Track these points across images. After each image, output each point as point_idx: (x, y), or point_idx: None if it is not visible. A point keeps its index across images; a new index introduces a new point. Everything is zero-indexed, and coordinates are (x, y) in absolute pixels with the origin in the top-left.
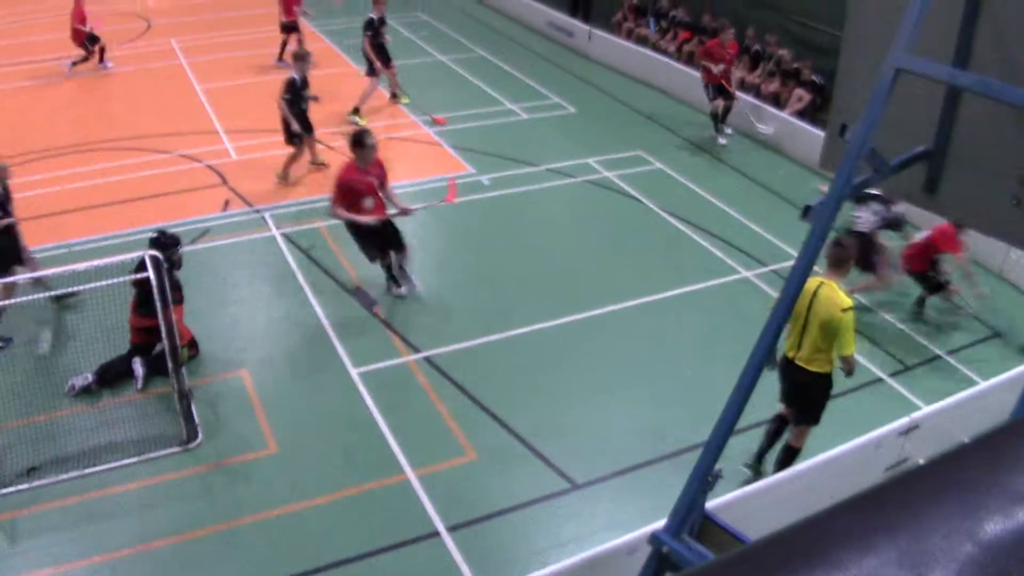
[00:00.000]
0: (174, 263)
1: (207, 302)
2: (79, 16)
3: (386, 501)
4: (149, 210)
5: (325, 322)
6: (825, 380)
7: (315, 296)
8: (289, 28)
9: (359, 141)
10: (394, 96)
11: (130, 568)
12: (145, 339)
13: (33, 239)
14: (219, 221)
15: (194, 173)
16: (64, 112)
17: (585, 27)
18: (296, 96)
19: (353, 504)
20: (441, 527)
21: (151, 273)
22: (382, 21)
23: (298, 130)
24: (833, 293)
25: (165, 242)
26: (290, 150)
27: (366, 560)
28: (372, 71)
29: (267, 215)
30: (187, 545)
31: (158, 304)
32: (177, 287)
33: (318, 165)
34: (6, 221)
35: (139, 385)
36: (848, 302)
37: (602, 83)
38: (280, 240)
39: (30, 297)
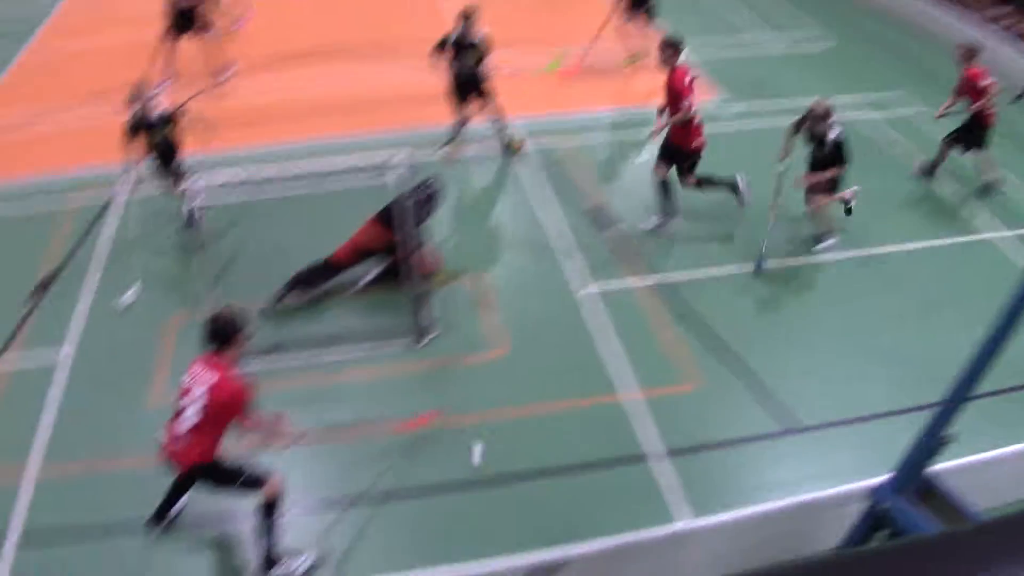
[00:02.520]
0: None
1: (450, 210)
2: None
3: (608, 418)
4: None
5: (563, 238)
6: None
7: (561, 207)
8: None
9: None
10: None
11: (351, 450)
12: (358, 259)
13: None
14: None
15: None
16: (320, 17)
17: None
18: None
19: (574, 416)
20: (659, 450)
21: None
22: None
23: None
24: None
25: (432, 191)
26: None
27: (581, 473)
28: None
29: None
30: (408, 436)
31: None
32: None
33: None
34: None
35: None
36: None
37: (869, 17)
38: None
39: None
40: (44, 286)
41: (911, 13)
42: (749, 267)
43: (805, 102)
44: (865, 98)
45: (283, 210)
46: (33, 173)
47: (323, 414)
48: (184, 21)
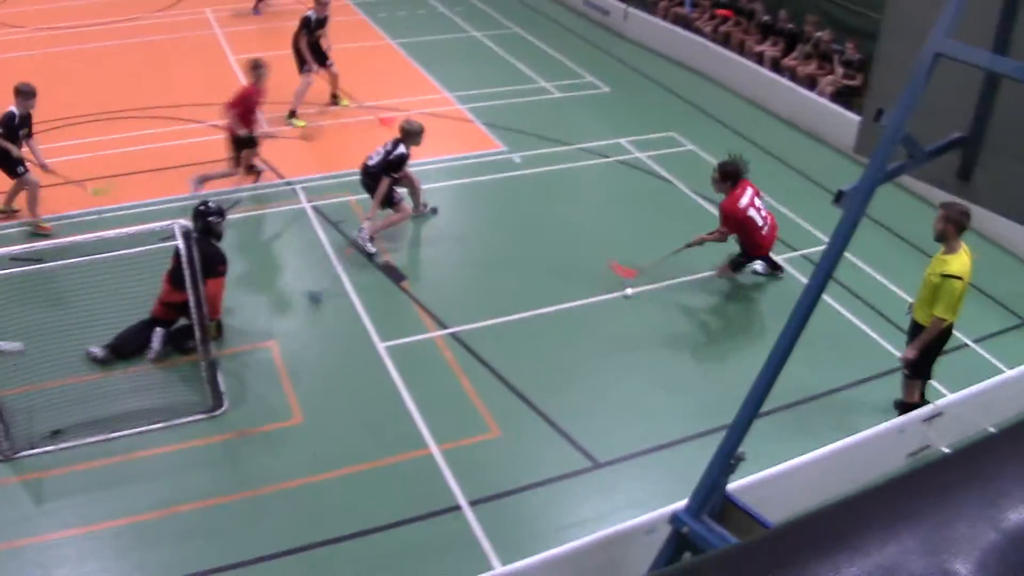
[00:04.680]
0: (216, 234)
1: (237, 273)
2: None
3: (409, 474)
4: (179, 179)
5: (353, 296)
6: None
7: (344, 269)
8: None
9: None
10: (334, 97)
11: (155, 531)
12: (171, 314)
13: (65, 204)
14: (250, 192)
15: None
16: (94, 78)
17: (621, 5)
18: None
19: (376, 476)
20: (463, 501)
21: (180, 243)
22: (320, 22)
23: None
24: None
25: (207, 212)
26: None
27: (387, 531)
28: (305, 69)
29: (298, 187)
30: (211, 510)
31: (187, 277)
32: (221, 259)
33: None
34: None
35: (151, 356)
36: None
37: (637, 63)
38: (311, 212)
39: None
40: None
41: (683, 58)
42: (539, 311)
43: (586, 144)
44: (637, 140)
45: (69, 278)
46: None
47: (121, 497)
48: None
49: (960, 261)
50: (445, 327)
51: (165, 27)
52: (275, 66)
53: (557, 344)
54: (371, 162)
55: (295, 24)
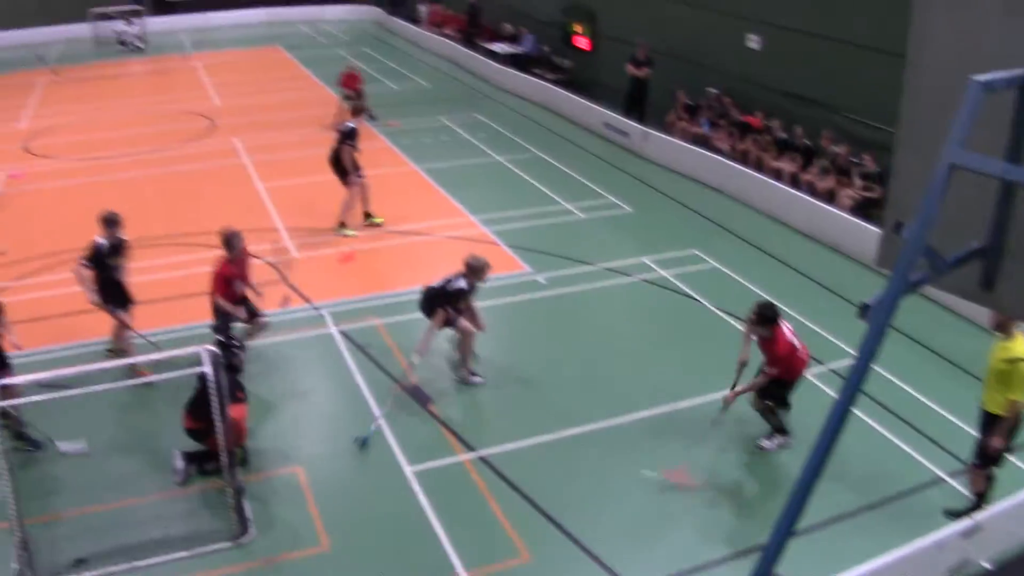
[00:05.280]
0: (236, 367)
1: (264, 398)
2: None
3: None
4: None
5: (381, 420)
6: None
7: (371, 393)
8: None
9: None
10: (367, 215)
11: None
12: (190, 442)
13: (91, 331)
14: (278, 318)
15: (255, 270)
16: (127, 207)
17: (640, 127)
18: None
19: None
20: None
21: (208, 369)
22: (355, 133)
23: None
24: None
25: (229, 344)
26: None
27: None
28: (347, 181)
29: (325, 312)
30: None
31: (214, 402)
32: (240, 386)
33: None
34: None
35: (179, 479)
36: None
37: (657, 182)
38: (337, 337)
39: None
40: None
41: (702, 175)
42: (568, 432)
43: (610, 264)
44: (660, 258)
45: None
46: None
47: None
48: None
49: (1021, 344)
50: (473, 450)
51: (193, 157)
52: (306, 190)
53: (587, 465)
54: (432, 286)
55: (312, 153)
